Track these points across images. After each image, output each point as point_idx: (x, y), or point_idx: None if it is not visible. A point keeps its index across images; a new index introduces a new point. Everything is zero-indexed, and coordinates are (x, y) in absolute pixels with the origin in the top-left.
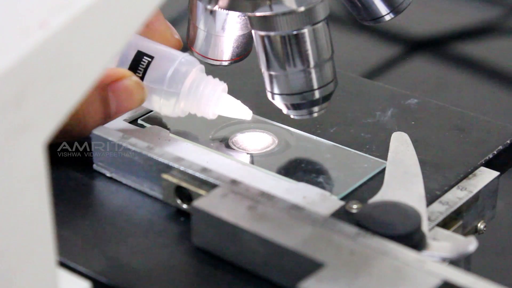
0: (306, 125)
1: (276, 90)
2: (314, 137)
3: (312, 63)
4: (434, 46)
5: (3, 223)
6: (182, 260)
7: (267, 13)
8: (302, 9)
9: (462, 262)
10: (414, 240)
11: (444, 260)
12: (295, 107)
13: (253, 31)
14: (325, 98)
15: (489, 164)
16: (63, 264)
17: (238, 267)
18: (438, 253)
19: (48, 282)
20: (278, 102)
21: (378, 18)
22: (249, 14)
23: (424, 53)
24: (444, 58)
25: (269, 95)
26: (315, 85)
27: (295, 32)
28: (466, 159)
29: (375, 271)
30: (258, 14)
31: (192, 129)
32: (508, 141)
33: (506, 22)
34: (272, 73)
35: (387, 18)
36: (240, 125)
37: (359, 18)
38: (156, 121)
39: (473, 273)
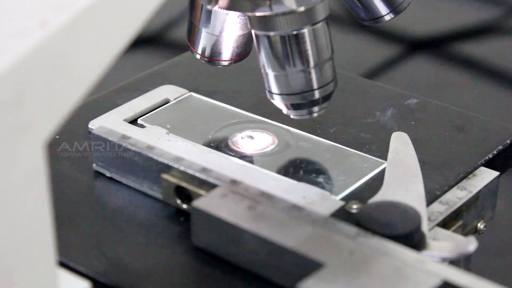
0: (306, 125)
1: (276, 90)
2: (314, 137)
3: (312, 63)
4: (434, 46)
5: (3, 223)
6: (182, 260)
7: (267, 13)
8: (302, 9)
9: (462, 262)
10: (414, 240)
11: (444, 260)
12: (295, 107)
13: (253, 31)
14: (325, 98)
15: (489, 164)
16: (63, 264)
17: (238, 267)
18: (438, 253)
19: (48, 282)
20: (278, 102)
21: (378, 18)
22: (249, 14)
23: (424, 53)
24: (444, 58)
25: (269, 95)
26: (315, 85)
27: (295, 32)
28: (466, 159)
29: (375, 271)
30: (258, 14)
31: (192, 129)
32: (508, 141)
33: (506, 22)
34: (272, 73)
35: (387, 18)
36: (240, 125)
37: (359, 18)
38: (156, 121)
39: (473, 273)
